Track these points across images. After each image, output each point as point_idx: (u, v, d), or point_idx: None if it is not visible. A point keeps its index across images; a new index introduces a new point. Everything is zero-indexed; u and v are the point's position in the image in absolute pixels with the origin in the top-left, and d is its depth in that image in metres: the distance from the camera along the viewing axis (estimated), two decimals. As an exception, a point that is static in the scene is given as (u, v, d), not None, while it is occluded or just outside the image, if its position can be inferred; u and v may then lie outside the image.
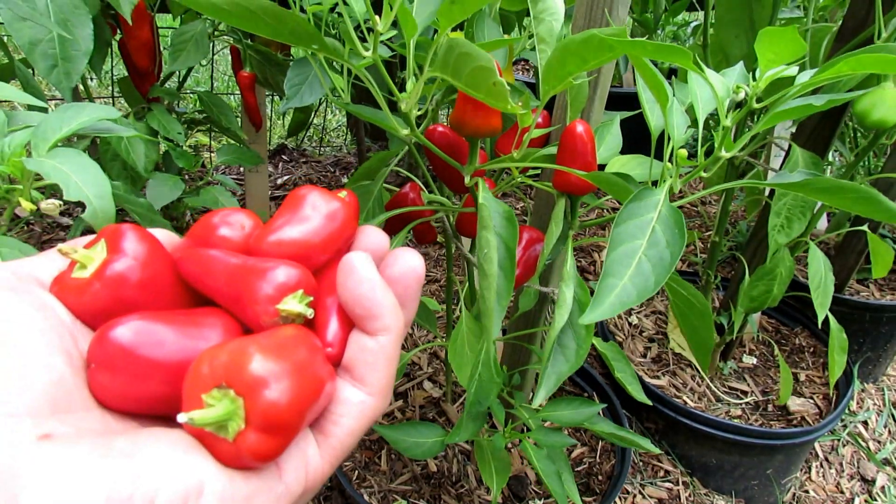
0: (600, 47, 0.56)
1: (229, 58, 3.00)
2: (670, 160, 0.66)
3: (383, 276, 0.34)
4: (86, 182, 0.53)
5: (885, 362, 1.78)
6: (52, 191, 0.67)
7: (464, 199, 0.93)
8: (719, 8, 1.22)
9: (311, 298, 0.31)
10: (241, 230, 0.34)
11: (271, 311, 0.30)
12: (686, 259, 1.94)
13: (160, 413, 0.29)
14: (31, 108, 0.73)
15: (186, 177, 1.80)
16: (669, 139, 0.66)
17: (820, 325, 1.12)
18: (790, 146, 1.16)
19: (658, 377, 1.39)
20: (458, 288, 1.05)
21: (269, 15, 0.59)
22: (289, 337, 0.28)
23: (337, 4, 1.03)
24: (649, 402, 0.92)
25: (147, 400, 0.28)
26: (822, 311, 1.10)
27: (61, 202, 0.60)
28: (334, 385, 0.30)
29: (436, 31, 0.68)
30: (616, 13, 0.79)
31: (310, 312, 0.31)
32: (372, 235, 0.37)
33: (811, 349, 1.55)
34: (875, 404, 1.71)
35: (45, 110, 0.70)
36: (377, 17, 0.58)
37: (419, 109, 0.71)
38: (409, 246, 1.79)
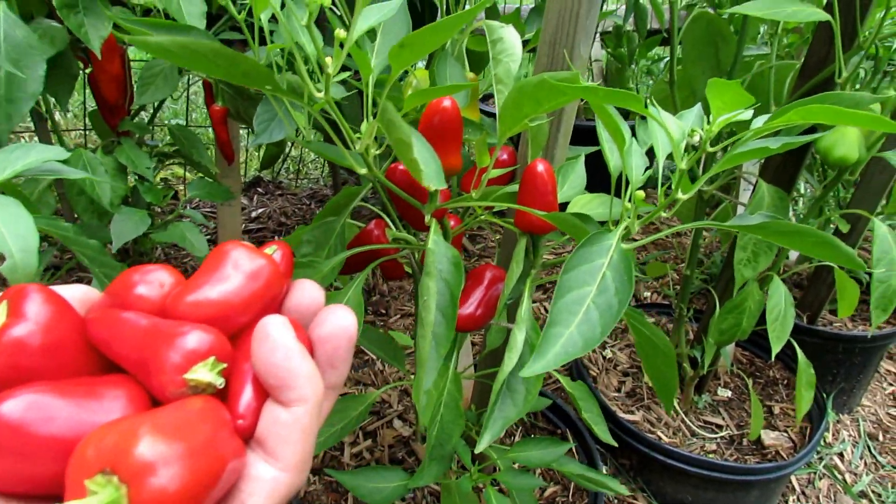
0: (553, 92, 0.57)
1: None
2: (629, 201, 0.65)
3: (312, 335, 0.33)
4: (12, 234, 0.51)
5: (858, 393, 1.78)
6: None
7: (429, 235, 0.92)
8: (686, 45, 1.24)
9: (224, 366, 0.29)
10: (159, 288, 0.32)
11: (178, 381, 0.28)
12: (661, 291, 1.94)
13: (53, 493, 0.27)
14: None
15: (159, 210, 1.78)
16: (627, 180, 0.65)
17: (773, 358, 1.12)
18: (757, 181, 1.17)
19: (632, 412, 1.37)
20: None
21: (222, 58, 0.58)
22: (192, 411, 0.27)
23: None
24: (615, 444, 0.91)
25: (38, 480, 0.27)
26: (778, 344, 1.10)
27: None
28: (242, 461, 0.28)
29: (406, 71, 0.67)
30: (578, 52, 0.79)
31: (220, 382, 0.29)
32: (307, 290, 0.35)
33: (785, 381, 1.55)
34: (850, 435, 1.70)
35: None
36: (328, 59, 0.58)
37: (379, 148, 0.70)
38: (378, 282, 1.77)
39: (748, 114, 0.58)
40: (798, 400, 1.22)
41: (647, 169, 0.67)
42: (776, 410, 1.46)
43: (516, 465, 0.99)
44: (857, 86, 1.19)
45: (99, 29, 1.20)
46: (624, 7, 2.11)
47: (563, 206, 0.83)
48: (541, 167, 0.71)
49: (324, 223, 0.91)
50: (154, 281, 0.33)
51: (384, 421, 1.19)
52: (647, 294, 1.92)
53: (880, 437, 1.73)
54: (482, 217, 0.82)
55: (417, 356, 0.64)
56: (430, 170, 0.63)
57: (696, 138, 0.59)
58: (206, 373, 0.28)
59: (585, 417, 0.91)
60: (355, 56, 0.62)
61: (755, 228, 0.66)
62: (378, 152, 0.70)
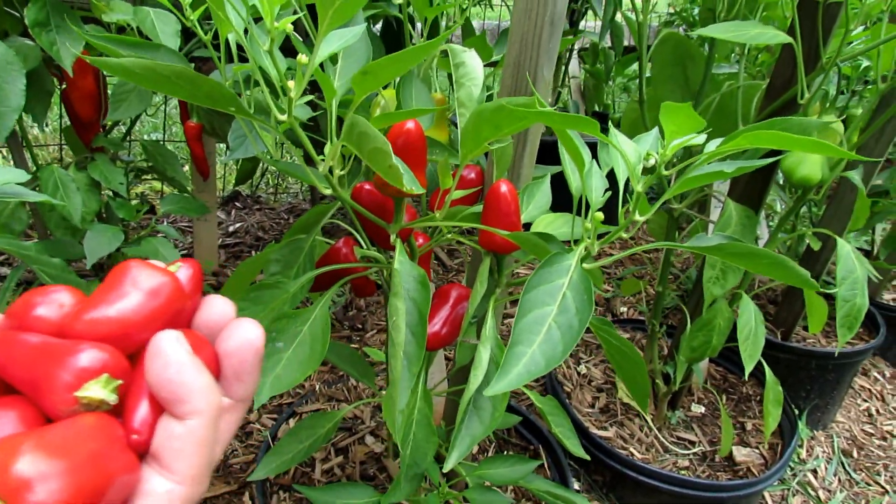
0: (511, 117, 0.57)
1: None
2: (589, 222, 0.66)
3: (219, 349, 0.33)
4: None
5: (833, 409, 1.80)
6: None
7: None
8: (655, 65, 1.26)
9: (119, 383, 0.30)
10: (59, 309, 0.32)
11: (69, 399, 0.28)
12: (637, 307, 1.95)
13: None
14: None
15: (135, 224, 1.78)
16: (588, 202, 0.66)
17: (747, 377, 1.13)
18: (725, 200, 1.19)
19: (605, 428, 1.38)
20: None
21: (184, 79, 0.59)
22: (81, 428, 0.27)
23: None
24: (587, 457, 0.91)
25: None
26: (751, 362, 1.11)
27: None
28: (135, 476, 0.29)
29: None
30: (541, 74, 0.80)
31: (112, 399, 0.29)
32: (216, 306, 0.36)
33: (758, 398, 1.56)
34: (825, 452, 1.72)
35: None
36: (290, 83, 0.58)
37: (343, 168, 0.71)
38: (355, 297, 1.77)
39: (701, 138, 0.59)
40: (766, 417, 1.23)
41: (607, 190, 0.68)
42: (749, 427, 1.47)
43: (486, 483, 0.99)
44: (826, 105, 1.21)
45: (71, 47, 1.20)
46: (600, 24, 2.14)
47: (530, 225, 0.84)
48: (504, 188, 0.72)
49: (292, 241, 0.91)
50: (54, 301, 0.32)
51: (356, 437, 1.19)
52: (624, 309, 1.93)
53: (854, 454, 1.75)
54: (449, 236, 0.83)
55: (390, 376, 0.64)
56: (408, 175, 0.64)
57: (652, 161, 0.60)
58: (98, 390, 0.28)
59: (556, 432, 0.92)
60: (319, 80, 0.63)
61: (712, 250, 0.67)
62: (343, 172, 0.71)
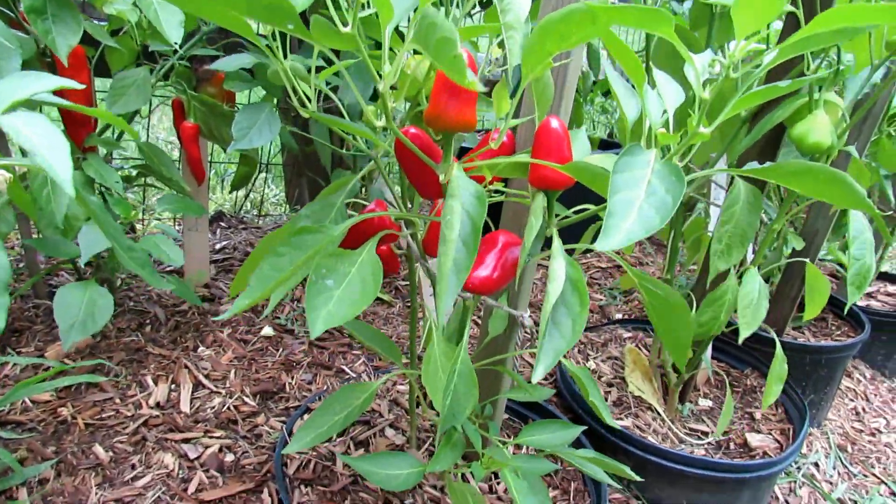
0: (582, 20, 0.57)
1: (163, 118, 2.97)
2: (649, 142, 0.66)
3: None
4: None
5: (825, 406, 1.82)
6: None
7: (433, 213, 0.91)
8: (656, 63, 1.29)
9: None
10: None
11: None
12: (633, 314, 1.96)
13: None
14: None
15: (126, 230, 1.71)
16: (648, 123, 0.67)
17: (741, 342, 1.14)
18: (731, 179, 1.21)
19: (622, 419, 1.36)
20: (422, 317, 1.00)
21: (246, -8, 0.57)
22: None
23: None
24: (619, 427, 0.89)
25: None
26: (747, 330, 1.13)
27: (10, 175, 0.55)
28: None
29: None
30: None
31: None
32: None
33: (762, 388, 1.56)
34: (823, 447, 1.73)
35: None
36: (361, -11, 0.58)
37: (395, 102, 0.70)
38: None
39: (762, 46, 0.61)
40: (766, 391, 1.23)
41: (664, 113, 0.68)
42: (757, 416, 1.47)
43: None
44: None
45: (67, 37, 1.16)
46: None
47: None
48: (554, 122, 0.72)
49: (322, 200, 0.88)
50: None
51: (376, 430, 1.13)
52: (619, 316, 1.94)
53: (849, 448, 1.77)
54: (491, 187, 0.81)
55: (438, 275, 0.61)
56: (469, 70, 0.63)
57: (717, 68, 0.61)
58: None
59: (592, 402, 0.89)
60: (375, 2, 0.62)
61: (767, 171, 0.68)
62: (395, 104, 0.69)
